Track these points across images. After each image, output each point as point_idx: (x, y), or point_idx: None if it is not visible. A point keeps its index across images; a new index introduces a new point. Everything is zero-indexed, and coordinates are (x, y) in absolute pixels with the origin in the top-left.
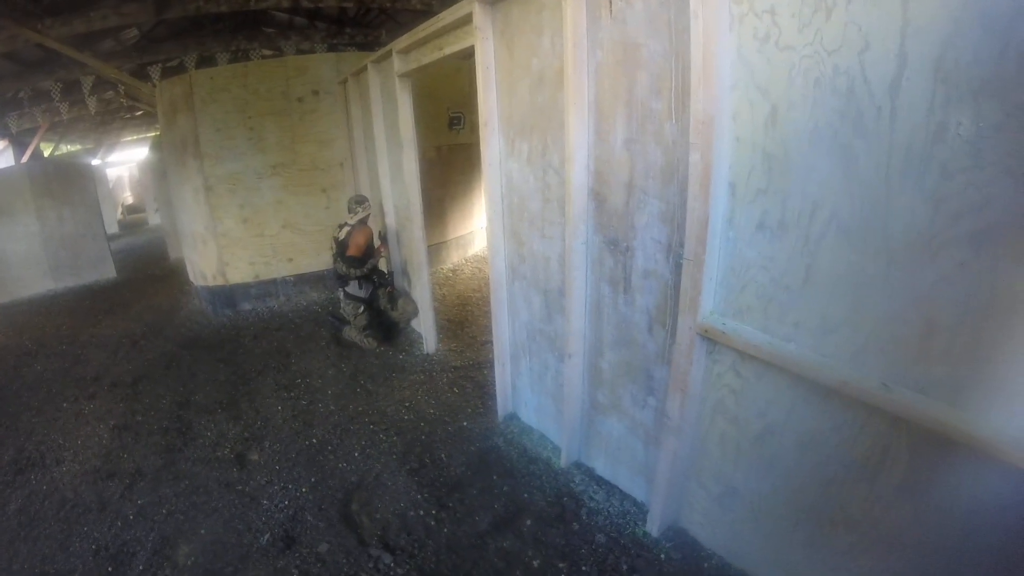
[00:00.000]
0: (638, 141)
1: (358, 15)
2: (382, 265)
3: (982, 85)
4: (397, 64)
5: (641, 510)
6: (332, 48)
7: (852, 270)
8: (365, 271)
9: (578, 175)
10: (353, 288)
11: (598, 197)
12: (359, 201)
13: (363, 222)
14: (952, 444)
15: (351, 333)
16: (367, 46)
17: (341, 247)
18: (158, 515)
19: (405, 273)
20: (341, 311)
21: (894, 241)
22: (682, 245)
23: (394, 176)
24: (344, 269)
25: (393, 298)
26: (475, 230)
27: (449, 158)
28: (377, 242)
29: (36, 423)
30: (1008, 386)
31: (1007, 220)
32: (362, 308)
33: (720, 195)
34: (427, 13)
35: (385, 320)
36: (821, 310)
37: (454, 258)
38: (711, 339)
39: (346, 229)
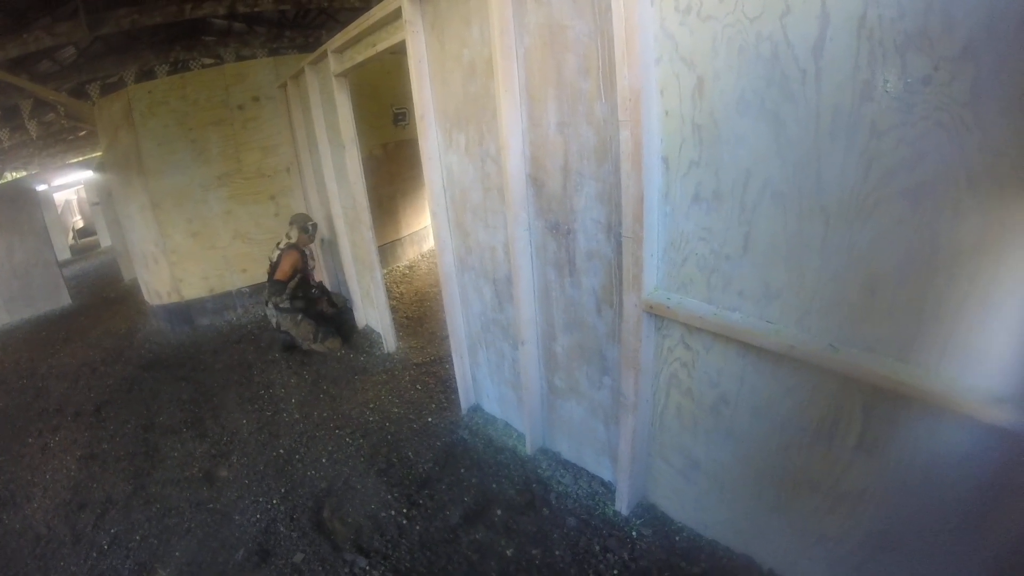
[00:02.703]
0: (570, 123)
1: (297, 17)
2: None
3: (907, 40)
4: (333, 64)
5: (609, 490)
6: (273, 52)
7: (790, 235)
8: (286, 296)
9: (514, 162)
10: (284, 304)
11: (536, 182)
12: (292, 221)
13: (292, 246)
14: (905, 400)
15: (308, 345)
16: (308, 47)
17: (272, 269)
18: (132, 542)
19: (359, 275)
20: (284, 329)
21: (829, 203)
22: (621, 224)
23: (339, 177)
24: (267, 295)
25: (323, 334)
26: (429, 225)
27: (396, 154)
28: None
29: (2, 461)
30: (958, 338)
31: (942, 174)
32: (300, 316)
33: (653, 170)
34: (365, 10)
35: (335, 318)
36: (763, 277)
37: (410, 255)
38: (658, 315)
39: (277, 252)
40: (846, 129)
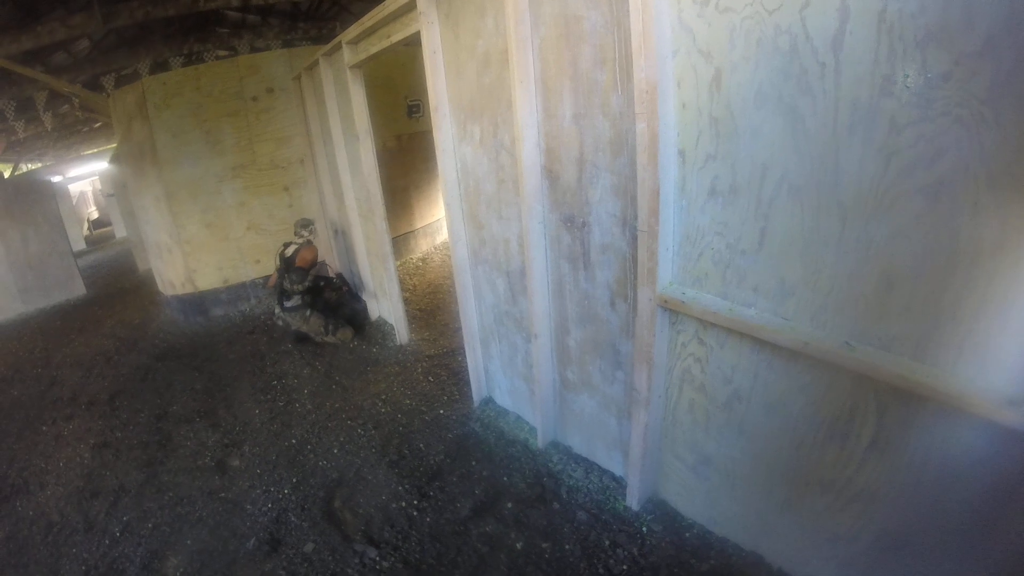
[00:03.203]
0: (586, 115)
1: (311, 9)
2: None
3: (927, 34)
4: (347, 55)
5: (620, 485)
6: (287, 44)
7: (806, 230)
8: (308, 283)
9: (529, 153)
10: (293, 302)
11: (551, 174)
12: (304, 224)
13: (309, 242)
14: (921, 400)
15: (321, 339)
16: (322, 39)
17: (288, 263)
18: (144, 529)
19: (371, 268)
20: (295, 328)
21: (846, 198)
22: (636, 217)
23: (353, 169)
24: (289, 284)
25: (334, 325)
26: (442, 217)
27: (410, 146)
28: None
29: (17, 449)
30: (975, 338)
31: (961, 171)
32: (308, 312)
33: (669, 163)
34: (379, 1)
35: (347, 309)
36: (778, 272)
37: (423, 247)
38: (672, 309)
39: (293, 247)
40: (864, 124)
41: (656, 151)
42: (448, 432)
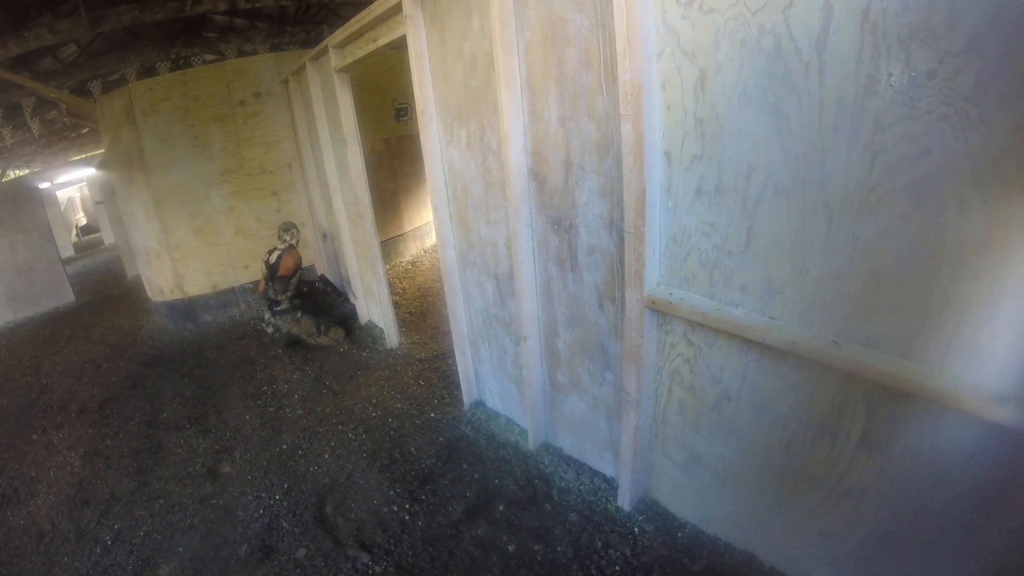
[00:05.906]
0: (572, 117)
1: (298, 12)
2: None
3: (911, 33)
4: (334, 59)
5: (611, 485)
6: (275, 48)
7: (793, 229)
8: (291, 291)
9: (516, 156)
10: (283, 306)
11: (538, 177)
12: (287, 228)
13: (292, 247)
14: (909, 397)
15: (314, 340)
16: (309, 43)
17: (272, 270)
18: (136, 538)
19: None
20: (286, 331)
21: (832, 197)
22: (623, 218)
23: (341, 173)
24: (274, 293)
25: (325, 325)
26: (431, 220)
27: (399, 150)
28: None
29: (7, 458)
30: (962, 335)
31: (947, 169)
32: (299, 314)
33: (655, 165)
34: (366, 5)
35: (337, 312)
36: (765, 272)
37: (412, 250)
38: (660, 310)
39: (276, 253)
40: (849, 123)
41: (642, 153)
42: (439, 435)
